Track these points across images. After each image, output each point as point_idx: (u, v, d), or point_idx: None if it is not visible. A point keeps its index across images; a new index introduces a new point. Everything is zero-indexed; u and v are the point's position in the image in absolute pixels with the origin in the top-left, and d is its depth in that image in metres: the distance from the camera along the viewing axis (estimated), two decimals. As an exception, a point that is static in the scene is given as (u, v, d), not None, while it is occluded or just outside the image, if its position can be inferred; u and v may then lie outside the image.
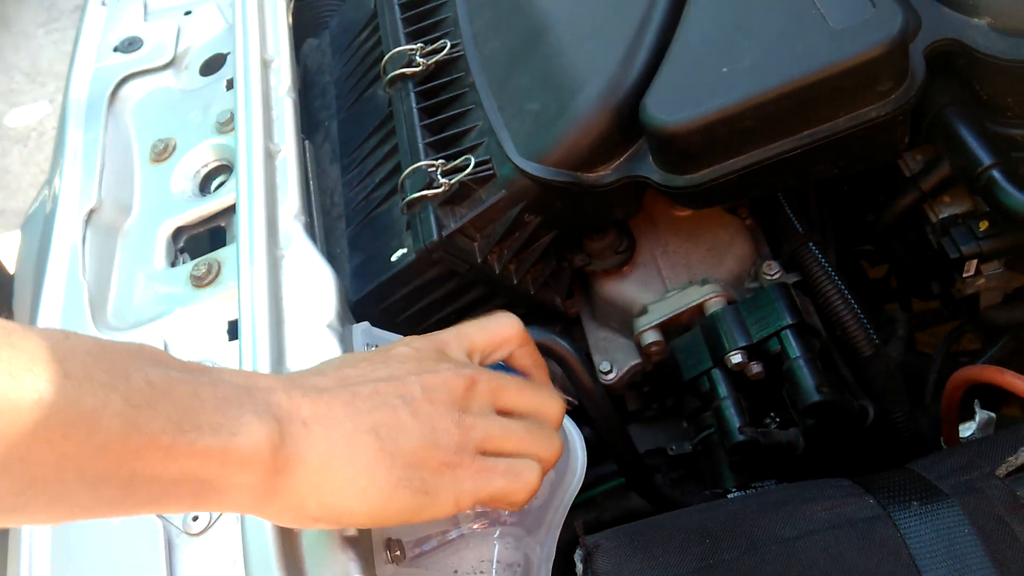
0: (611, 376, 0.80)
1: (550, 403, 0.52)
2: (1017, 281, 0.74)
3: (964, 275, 0.70)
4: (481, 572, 0.58)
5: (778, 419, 0.74)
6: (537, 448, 0.49)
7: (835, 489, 0.53)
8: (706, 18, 0.67)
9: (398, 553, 0.56)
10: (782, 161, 0.65)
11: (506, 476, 0.47)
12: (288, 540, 0.52)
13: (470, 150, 0.72)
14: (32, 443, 0.35)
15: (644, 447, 0.84)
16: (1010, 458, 0.51)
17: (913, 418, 0.72)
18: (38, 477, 0.36)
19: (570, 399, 0.79)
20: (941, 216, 0.71)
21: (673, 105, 0.64)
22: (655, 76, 0.66)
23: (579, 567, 0.51)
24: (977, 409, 0.70)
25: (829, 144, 0.64)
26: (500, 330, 0.53)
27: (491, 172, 0.70)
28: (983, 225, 0.68)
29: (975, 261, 0.69)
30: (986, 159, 0.64)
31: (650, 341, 0.76)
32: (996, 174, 0.64)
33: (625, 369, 0.81)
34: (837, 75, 0.61)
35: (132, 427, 0.37)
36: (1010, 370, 0.58)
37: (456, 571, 0.57)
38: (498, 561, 0.58)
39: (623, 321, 0.81)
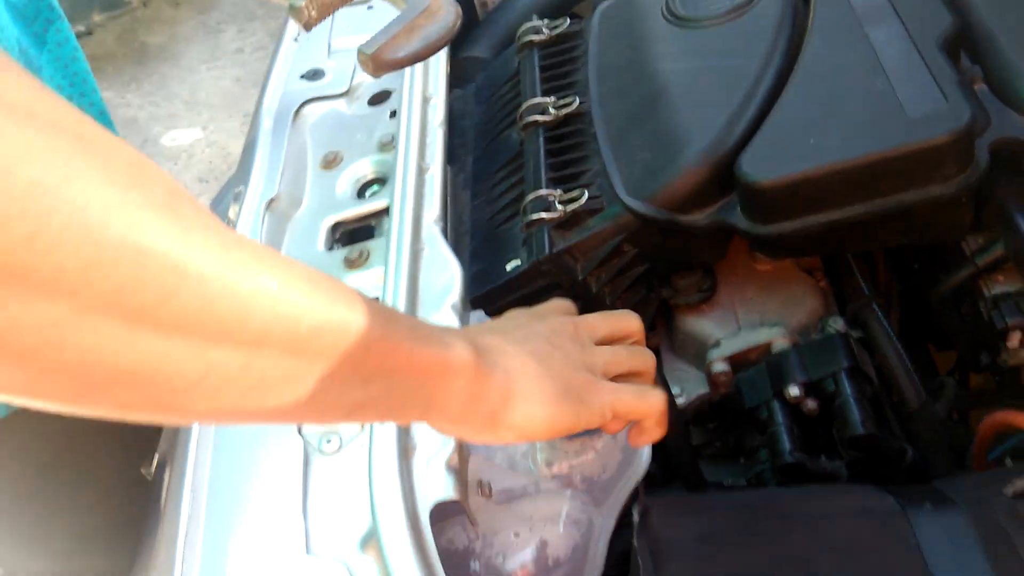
0: (680, 400, 0.91)
1: (630, 322, 0.65)
2: (1061, 360, 0.82)
3: (1008, 344, 0.79)
4: (551, 520, 0.69)
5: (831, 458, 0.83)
6: (640, 363, 0.62)
7: (862, 489, 0.62)
8: (802, 96, 0.80)
9: (487, 492, 0.68)
10: (854, 223, 0.76)
11: (635, 394, 0.58)
12: (404, 460, 0.64)
13: (585, 186, 0.86)
14: (373, 343, 0.44)
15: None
16: (1019, 481, 0.59)
17: (950, 473, 0.80)
18: (337, 377, 0.43)
19: None
20: (993, 292, 0.80)
21: (765, 165, 0.76)
22: (752, 140, 0.78)
23: (635, 518, 0.62)
24: (1008, 462, 0.77)
25: (897, 213, 0.75)
26: (623, 322, 0.65)
27: (601, 206, 0.84)
28: (1030, 302, 0.77)
29: (1019, 333, 0.77)
30: (1036, 242, 0.74)
31: (719, 371, 0.87)
32: (1045, 256, 0.73)
33: (694, 396, 0.91)
34: (908, 155, 0.72)
35: (387, 333, 0.46)
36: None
37: (531, 517, 0.69)
38: (567, 515, 0.69)
39: (697, 354, 0.91)
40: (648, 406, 0.59)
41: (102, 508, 0.89)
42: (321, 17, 0.73)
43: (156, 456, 0.98)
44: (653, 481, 0.90)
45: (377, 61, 0.69)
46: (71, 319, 0.32)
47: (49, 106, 0.33)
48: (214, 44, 3.44)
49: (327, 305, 0.42)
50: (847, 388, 0.79)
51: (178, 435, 0.75)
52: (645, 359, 0.62)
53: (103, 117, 0.93)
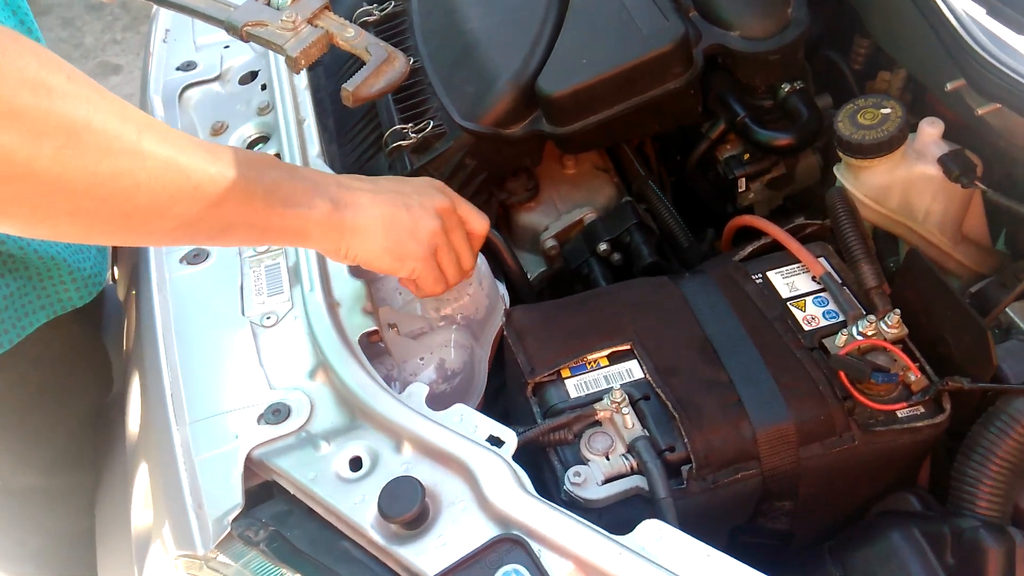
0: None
1: (480, 222, 0.89)
2: (776, 200, 1.17)
3: (739, 191, 1.12)
4: (445, 346, 0.95)
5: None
6: (462, 249, 0.86)
7: (648, 278, 0.92)
8: (574, 31, 1.09)
9: (395, 329, 0.93)
10: (621, 118, 1.07)
11: (434, 277, 0.85)
12: (332, 312, 0.88)
13: (430, 117, 1.12)
14: (228, 203, 0.68)
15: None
16: (741, 252, 0.92)
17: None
18: (229, 222, 0.69)
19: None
20: (724, 156, 1.14)
21: (555, 82, 1.06)
22: (544, 65, 1.07)
23: (503, 320, 0.89)
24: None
25: (647, 106, 1.06)
26: (475, 219, 0.88)
27: (443, 130, 1.10)
28: (746, 156, 1.11)
29: (744, 180, 1.11)
30: (741, 112, 1.07)
31: (549, 246, 1.16)
32: (747, 120, 1.07)
33: (535, 274, 1.19)
34: (647, 62, 1.03)
35: (268, 199, 0.71)
36: (760, 217, 0.98)
37: (430, 345, 0.94)
38: (455, 342, 0.95)
39: (533, 240, 1.20)
40: (440, 285, 0.85)
41: (75, 434, 1.06)
42: (308, 63, 0.96)
43: (113, 388, 1.15)
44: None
45: (356, 96, 0.93)
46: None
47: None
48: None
49: (193, 163, 0.64)
50: (637, 237, 1.10)
51: (145, 340, 0.95)
52: (467, 252, 0.86)
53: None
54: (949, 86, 0.85)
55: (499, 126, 1.09)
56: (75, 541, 1.08)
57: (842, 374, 0.78)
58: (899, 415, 0.79)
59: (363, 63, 0.97)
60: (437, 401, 0.92)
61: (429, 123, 1.11)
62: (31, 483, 1.05)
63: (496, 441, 0.74)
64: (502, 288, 1.05)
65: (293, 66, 0.95)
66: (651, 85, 1.06)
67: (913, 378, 0.79)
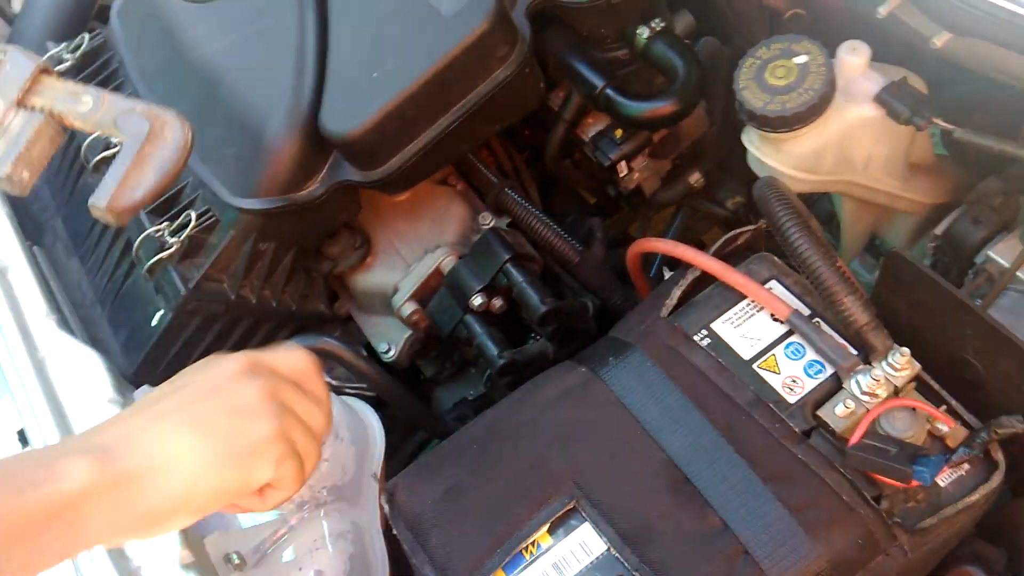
0: (392, 354, 0.91)
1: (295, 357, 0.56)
2: (664, 166, 0.92)
3: (621, 175, 0.86)
4: (317, 548, 0.67)
5: (539, 338, 0.88)
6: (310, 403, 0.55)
7: (558, 370, 0.67)
8: (349, 35, 0.78)
9: (240, 562, 0.64)
10: (449, 134, 0.78)
11: (302, 429, 0.53)
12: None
13: (189, 206, 0.80)
14: None
15: (450, 402, 0.96)
16: (667, 301, 0.67)
17: (628, 298, 0.88)
18: None
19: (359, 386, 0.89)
20: (590, 135, 0.87)
21: (344, 115, 0.75)
22: (322, 95, 0.76)
23: (387, 508, 0.62)
24: (665, 272, 0.87)
25: (479, 109, 0.77)
26: (295, 358, 0.56)
27: (214, 219, 0.78)
28: (618, 133, 0.85)
29: (623, 162, 0.85)
30: (599, 82, 0.80)
31: (409, 312, 0.88)
32: (610, 92, 0.80)
33: (402, 344, 0.91)
34: (460, 55, 0.74)
35: None
36: (669, 240, 0.73)
37: (296, 557, 0.67)
38: (329, 533, 0.68)
39: (384, 304, 0.91)
40: (301, 474, 0.53)
41: None
42: (36, 176, 0.60)
43: None
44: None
45: (116, 211, 0.59)
46: None
47: None
48: None
49: None
50: (517, 277, 0.83)
51: None
52: (313, 407, 0.55)
53: None
54: (883, 10, 0.61)
55: (288, 191, 0.78)
56: None
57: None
58: (942, 485, 0.58)
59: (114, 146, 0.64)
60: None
61: (190, 215, 0.78)
62: None
63: None
64: (362, 407, 0.78)
65: (14, 188, 0.61)
66: (474, 83, 0.77)
67: (945, 429, 0.58)
